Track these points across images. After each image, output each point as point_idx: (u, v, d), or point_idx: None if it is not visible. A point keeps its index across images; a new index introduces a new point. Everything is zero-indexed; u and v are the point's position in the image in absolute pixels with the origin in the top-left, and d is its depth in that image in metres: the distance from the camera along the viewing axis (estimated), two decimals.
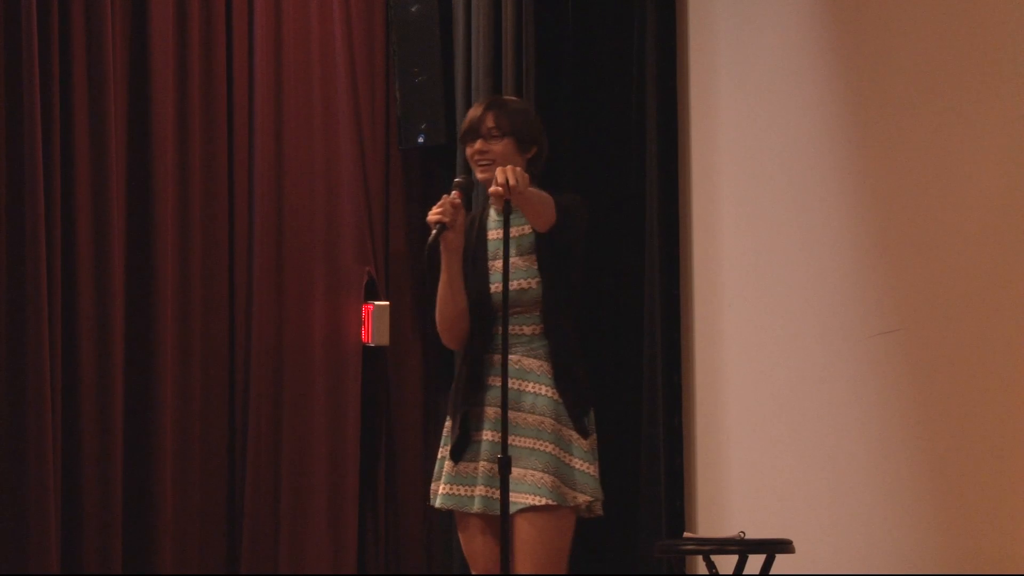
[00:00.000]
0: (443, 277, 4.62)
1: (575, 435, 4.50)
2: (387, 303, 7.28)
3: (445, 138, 7.17)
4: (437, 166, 7.41)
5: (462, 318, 4.64)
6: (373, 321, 7.22)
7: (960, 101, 5.34)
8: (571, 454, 4.49)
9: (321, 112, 7.21)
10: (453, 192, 4.55)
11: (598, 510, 4.61)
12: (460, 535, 4.65)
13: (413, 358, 7.39)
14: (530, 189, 4.44)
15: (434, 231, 4.50)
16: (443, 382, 7.31)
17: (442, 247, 4.57)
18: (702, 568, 5.55)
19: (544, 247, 4.56)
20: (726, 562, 5.35)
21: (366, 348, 7.25)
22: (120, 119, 6.73)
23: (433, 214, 4.50)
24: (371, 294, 7.28)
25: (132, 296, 6.72)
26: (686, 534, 5.78)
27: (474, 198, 5.74)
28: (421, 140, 7.26)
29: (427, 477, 7.33)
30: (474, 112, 4.66)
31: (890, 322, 5.56)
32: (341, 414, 7.13)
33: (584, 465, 4.48)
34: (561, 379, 4.52)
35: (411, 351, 7.39)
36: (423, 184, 7.46)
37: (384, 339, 7.25)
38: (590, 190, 4.81)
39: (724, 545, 5.34)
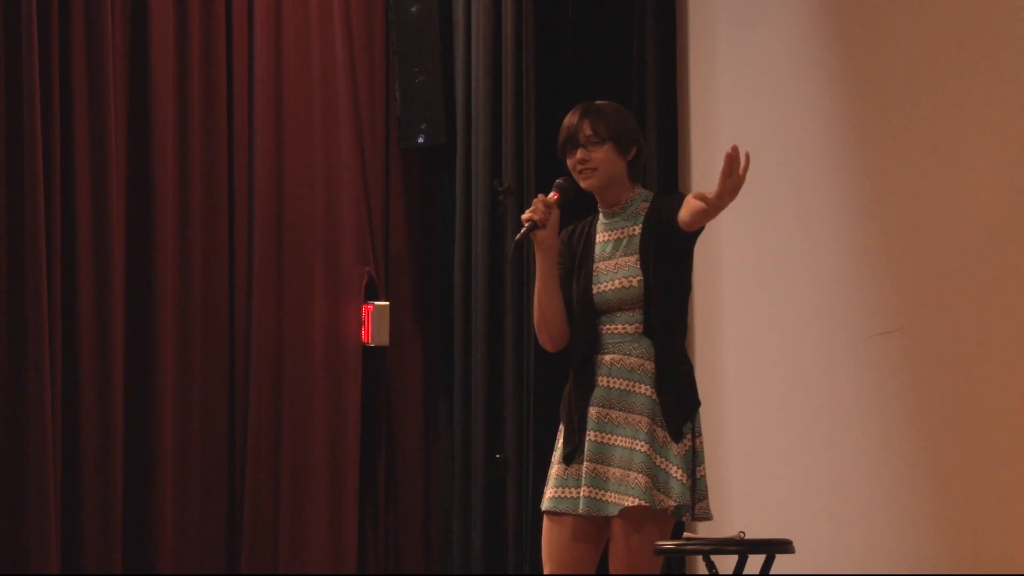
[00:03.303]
0: (537, 276, 4.60)
1: (668, 437, 4.48)
2: (387, 303, 7.28)
3: (445, 138, 7.17)
4: (437, 166, 7.41)
5: (556, 318, 4.61)
6: (373, 321, 7.23)
7: (960, 101, 5.34)
8: (663, 456, 4.47)
9: (321, 112, 7.21)
10: (551, 193, 4.53)
11: (704, 515, 4.58)
12: (547, 534, 4.60)
13: (413, 358, 7.39)
14: (713, 202, 4.36)
15: (524, 228, 4.47)
16: (443, 382, 7.32)
17: (535, 245, 4.55)
18: (702, 568, 5.55)
19: (648, 247, 4.54)
20: (726, 562, 5.35)
21: (366, 348, 7.25)
22: (120, 119, 6.73)
23: (526, 213, 4.49)
24: (371, 294, 7.28)
25: (132, 296, 6.72)
26: (686, 534, 5.78)
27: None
28: (421, 140, 7.26)
29: (427, 477, 7.38)
30: (570, 120, 4.60)
31: (890, 322, 5.56)
32: (341, 414, 7.14)
33: (673, 469, 4.45)
34: (661, 379, 4.50)
35: (411, 351, 7.39)
36: (423, 184, 7.47)
37: (384, 339, 7.25)
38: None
39: (724, 545, 5.34)
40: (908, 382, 5.52)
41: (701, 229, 4.53)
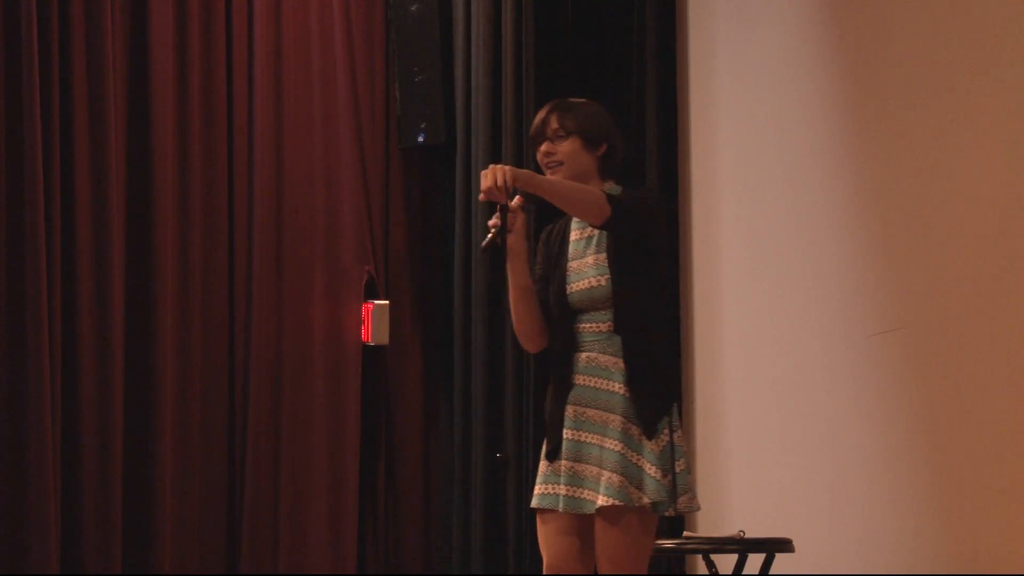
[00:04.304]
0: (509, 280, 4.62)
1: (643, 435, 4.50)
2: (387, 302, 7.28)
3: (445, 137, 7.17)
4: (437, 166, 7.41)
5: (531, 319, 4.63)
6: (373, 320, 7.22)
7: (960, 101, 5.35)
8: (638, 453, 4.48)
9: (321, 112, 7.21)
10: (516, 196, 4.56)
11: (686, 508, 4.57)
12: (539, 528, 4.62)
13: (413, 358, 7.39)
14: (552, 179, 4.50)
15: (490, 234, 4.50)
16: (443, 382, 7.32)
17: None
18: (702, 568, 5.56)
19: (613, 243, 4.56)
20: (726, 561, 5.36)
21: (366, 347, 7.25)
22: (120, 119, 6.73)
23: (492, 219, 4.52)
24: (371, 293, 7.28)
25: (132, 296, 6.72)
26: (686, 534, 5.78)
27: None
28: (421, 140, 7.26)
29: (427, 477, 7.38)
30: (539, 115, 4.67)
31: (890, 322, 5.56)
32: (341, 414, 7.13)
33: (648, 466, 4.47)
34: (634, 377, 4.52)
35: (411, 351, 7.39)
36: (423, 184, 7.47)
37: (384, 338, 7.25)
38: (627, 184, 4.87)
39: (724, 544, 5.35)
40: (908, 382, 5.52)
41: (627, 223, 4.52)
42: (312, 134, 7.20)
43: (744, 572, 5.30)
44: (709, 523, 6.24)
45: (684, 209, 6.47)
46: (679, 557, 5.90)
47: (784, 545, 5.31)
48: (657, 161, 6.47)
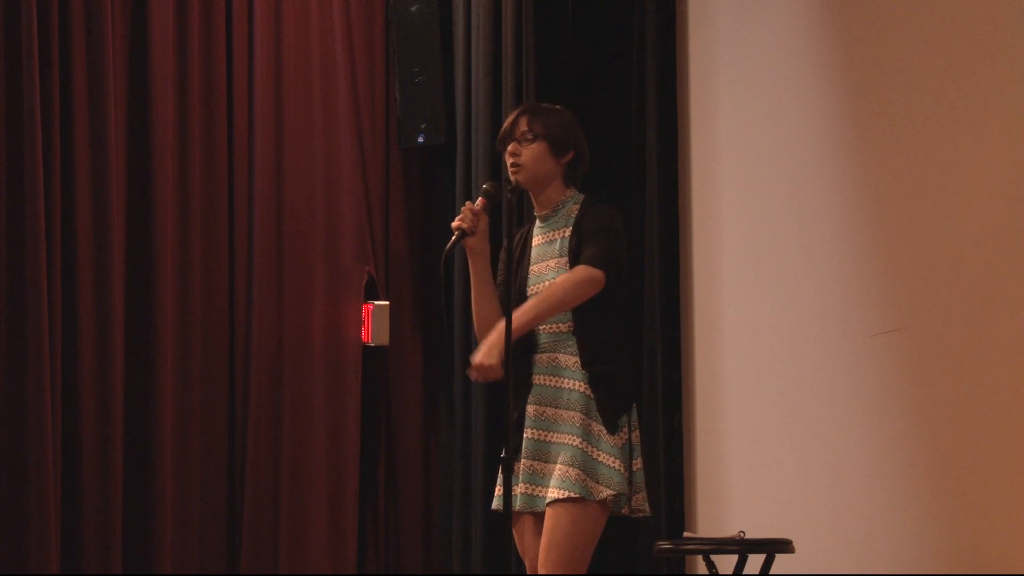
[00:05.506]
0: (472, 281, 4.66)
1: (603, 431, 4.52)
2: (387, 303, 7.28)
3: (445, 138, 7.17)
4: (437, 166, 7.41)
5: (492, 320, 4.65)
6: (373, 321, 7.23)
7: (960, 101, 5.35)
8: (598, 449, 4.53)
9: (321, 112, 7.21)
10: (478, 199, 4.59)
11: (640, 508, 4.60)
12: (514, 533, 4.68)
13: (413, 358, 7.39)
14: (536, 303, 4.51)
15: (454, 237, 4.53)
16: (443, 382, 7.32)
17: (467, 252, 4.62)
18: (702, 568, 5.56)
19: (576, 249, 4.58)
20: (726, 562, 5.35)
21: (366, 348, 7.25)
22: (120, 119, 6.73)
23: (455, 221, 4.55)
24: (371, 294, 7.28)
25: (132, 296, 6.72)
26: (686, 534, 5.78)
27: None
28: (421, 140, 7.26)
29: (427, 477, 7.38)
30: (509, 118, 4.73)
31: (890, 322, 5.56)
32: (341, 414, 7.14)
33: (609, 460, 4.51)
34: (594, 376, 4.55)
35: (411, 351, 7.39)
36: (423, 184, 7.47)
37: (384, 339, 7.25)
38: (589, 190, 4.84)
39: (724, 545, 5.35)
40: (908, 382, 5.52)
41: (623, 246, 4.64)
42: (312, 134, 7.20)
43: (744, 572, 5.29)
44: (709, 523, 6.24)
45: (684, 209, 6.47)
46: (679, 557, 5.89)
47: (784, 545, 5.31)
48: (657, 161, 6.46)
